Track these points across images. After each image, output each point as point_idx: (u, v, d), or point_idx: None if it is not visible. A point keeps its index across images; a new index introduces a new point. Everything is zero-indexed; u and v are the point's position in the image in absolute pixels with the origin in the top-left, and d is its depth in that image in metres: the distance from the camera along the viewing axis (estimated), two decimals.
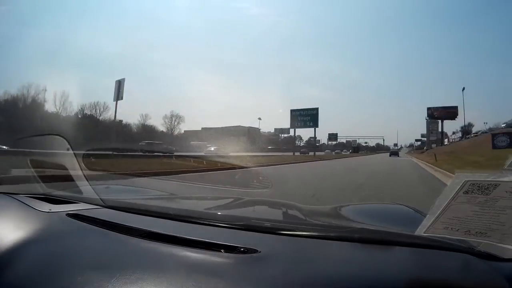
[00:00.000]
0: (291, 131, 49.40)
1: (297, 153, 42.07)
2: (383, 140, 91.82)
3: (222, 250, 0.65)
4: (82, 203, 1.01)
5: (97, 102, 45.93)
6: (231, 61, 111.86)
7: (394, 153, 51.20)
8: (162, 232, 0.73)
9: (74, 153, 1.38)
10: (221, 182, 2.37)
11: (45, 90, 39.18)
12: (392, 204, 1.82)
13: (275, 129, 67.91)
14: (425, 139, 78.33)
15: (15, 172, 1.50)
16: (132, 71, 79.51)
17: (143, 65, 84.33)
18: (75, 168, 1.38)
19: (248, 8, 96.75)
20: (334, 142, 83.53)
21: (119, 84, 22.88)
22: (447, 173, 9.52)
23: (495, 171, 0.49)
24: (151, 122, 54.32)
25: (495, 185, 0.46)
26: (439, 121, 61.15)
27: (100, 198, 1.02)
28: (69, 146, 1.38)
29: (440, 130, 61.28)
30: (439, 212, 0.52)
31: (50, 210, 0.91)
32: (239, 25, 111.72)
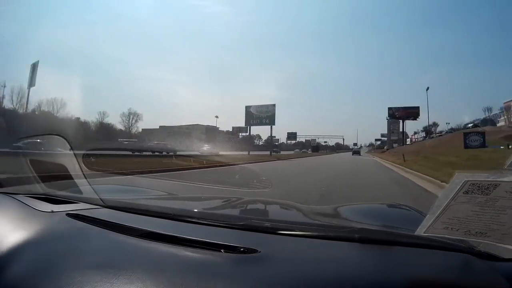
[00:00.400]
0: (251, 129, 47.09)
1: (256, 152, 36.60)
2: (343, 139, 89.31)
3: (222, 250, 0.65)
4: (82, 203, 1.01)
5: (54, 99, 43.05)
6: (189, 59, 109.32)
7: (356, 152, 53.03)
8: (162, 232, 0.73)
9: (74, 153, 1.38)
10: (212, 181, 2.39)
11: (4, 86, 37.52)
12: (392, 204, 1.82)
13: (233, 127, 64.68)
14: (386, 138, 77.81)
15: (15, 172, 1.50)
16: (91, 66, 76.47)
17: (101, 61, 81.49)
18: (75, 168, 1.38)
19: (207, 6, 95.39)
20: (293, 141, 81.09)
21: (33, 68, 20.71)
22: (422, 175, 8.41)
23: (495, 171, 0.49)
24: (109, 120, 51.51)
25: (495, 185, 0.46)
26: (400, 121, 60.48)
27: (100, 198, 1.02)
28: (70, 146, 1.38)
29: (401, 130, 60.83)
30: (439, 212, 0.52)
31: (50, 210, 0.91)
32: (197, 23, 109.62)
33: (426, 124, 62.87)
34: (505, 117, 35.77)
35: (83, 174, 1.38)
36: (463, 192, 0.48)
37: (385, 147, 69.35)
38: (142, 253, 0.66)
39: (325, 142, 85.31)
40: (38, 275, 0.56)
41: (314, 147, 73.44)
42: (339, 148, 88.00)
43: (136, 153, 15.48)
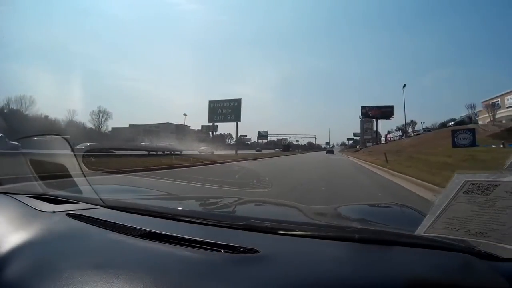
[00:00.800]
0: (219, 128, 45.62)
1: (244, 151, 36.23)
2: (315, 138, 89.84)
3: (222, 250, 0.65)
4: (82, 203, 1.01)
5: (23, 96, 41.85)
6: (160, 57, 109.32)
7: (330, 151, 54.24)
8: (162, 232, 0.73)
9: (74, 153, 1.38)
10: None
11: None
12: (392, 204, 1.82)
13: (202, 126, 62.18)
14: (359, 138, 76.62)
15: (15, 172, 1.49)
16: (62, 63, 74.49)
17: (70, 58, 76.94)
18: (75, 168, 1.38)
19: (179, 4, 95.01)
20: (264, 140, 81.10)
21: None
22: (420, 181, 6.42)
23: (495, 171, 0.49)
24: (78, 118, 49.54)
25: (495, 185, 0.46)
26: (374, 120, 59.94)
27: (100, 198, 1.02)
28: (70, 146, 1.38)
29: (375, 129, 60.95)
30: (439, 212, 0.52)
31: (50, 210, 0.91)
32: (170, 20, 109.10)
33: (400, 123, 62.14)
34: (490, 114, 33.46)
35: (83, 174, 1.38)
36: (463, 192, 0.48)
37: (357, 146, 68.76)
38: (142, 253, 0.66)
39: (297, 141, 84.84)
40: (38, 275, 0.56)
41: (286, 146, 71.96)
42: (311, 147, 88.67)
43: (152, 153, 16.52)
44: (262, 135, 78.34)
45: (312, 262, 0.63)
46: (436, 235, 0.55)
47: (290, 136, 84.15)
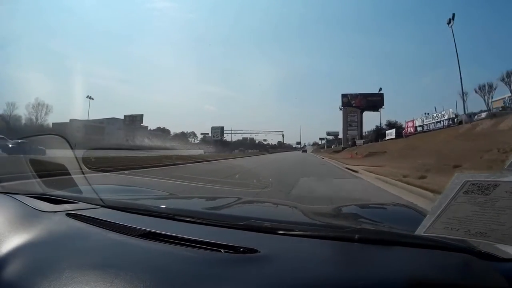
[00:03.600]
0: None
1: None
2: (282, 135, 75.32)
3: (222, 250, 0.65)
4: (82, 203, 1.01)
5: None
6: (115, 53, 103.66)
7: (304, 151, 50.94)
8: (162, 232, 0.73)
9: (74, 153, 1.38)
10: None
11: None
12: (392, 204, 1.82)
13: (158, 127, 57.94)
14: (332, 137, 65.24)
15: (15, 171, 1.49)
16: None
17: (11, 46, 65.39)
18: (75, 168, 1.38)
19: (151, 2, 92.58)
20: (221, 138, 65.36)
21: None
22: None
23: (495, 171, 0.49)
24: (18, 112, 42.20)
25: (495, 185, 0.46)
26: (359, 110, 47.45)
27: (100, 198, 1.02)
28: (70, 146, 1.38)
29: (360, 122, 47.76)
30: (439, 212, 0.52)
31: (50, 210, 0.91)
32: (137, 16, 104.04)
33: (390, 117, 49.33)
34: None
35: (83, 174, 1.38)
36: (463, 192, 0.48)
37: (333, 146, 56.98)
38: (142, 253, 0.66)
39: (264, 140, 73.76)
40: (38, 275, 0.56)
41: (221, 142, 58.37)
42: (280, 147, 75.11)
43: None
44: (215, 132, 62.69)
45: (312, 262, 0.63)
46: (436, 235, 0.55)
47: (252, 133, 70.84)
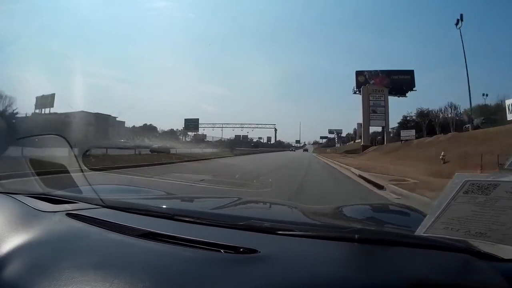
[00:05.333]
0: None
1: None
2: (275, 130, 59.06)
3: (222, 250, 0.65)
4: (82, 203, 1.01)
5: None
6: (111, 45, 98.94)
7: (305, 150, 45.53)
8: (162, 232, 0.73)
9: (74, 153, 1.38)
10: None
11: None
12: (392, 204, 1.83)
13: (144, 124, 47.47)
14: (333, 135, 53.36)
15: (15, 171, 1.49)
16: None
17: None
18: (75, 168, 1.38)
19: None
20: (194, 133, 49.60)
21: None
22: None
23: (495, 171, 0.48)
24: None
25: (495, 185, 0.46)
26: (386, 89, 30.89)
27: (100, 198, 1.02)
28: (69, 146, 1.38)
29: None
30: (439, 212, 0.52)
31: (50, 210, 0.91)
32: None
33: (420, 105, 33.53)
34: None
35: (83, 173, 1.38)
36: (463, 192, 0.48)
37: (337, 145, 45.95)
38: (142, 253, 0.66)
39: (259, 138, 60.09)
40: (38, 275, 0.56)
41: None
42: (280, 145, 60.37)
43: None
44: (190, 126, 49.48)
45: (312, 262, 0.63)
46: (436, 235, 0.55)
47: (235, 127, 55.08)
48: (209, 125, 54.47)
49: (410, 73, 31.57)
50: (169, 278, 0.55)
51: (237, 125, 55.22)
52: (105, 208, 0.97)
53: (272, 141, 61.09)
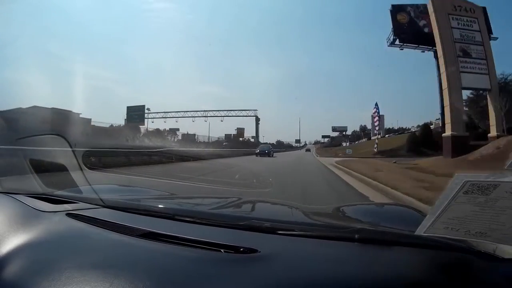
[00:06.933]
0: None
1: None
2: (256, 118, 49.99)
3: (222, 250, 0.65)
4: (82, 203, 1.01)
5: None
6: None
7: (308, 150, 42.46)
8: (162, 232, 0.73)
9: (74, 153, 1.38)
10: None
11: None
12: (392, 204, 1.83)
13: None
14: (337, 134, 50.16)
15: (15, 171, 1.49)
16: None
17: None
18: (75, 168, 1.38)
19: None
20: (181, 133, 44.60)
21: None
22: None
23: (495, 171, 0.49)
24: None
25: (495, 185, 0.46)
26: (478, 8, 16.36)
27: (100, 198, 1.02)
28: (69, 146, 1.38)
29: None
30: (439, 212, 0.52)
31: (50, 210, 0.91)
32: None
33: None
34: None
35: (83, 173, 1.38)
36: (463, 192, 0.48)
37: (343, 144, 40.28)
38: (142, 253, 0.66)
39: (253, 137, 50.46)
40: (38, 275, 0.56)
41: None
42: (281, 145, 53.51)
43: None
44: (133, 117, 40.88)
45: (312, 262, 0.63)
46: (436, 235, 0.55)
47: (207, 116, 46.34)
48: (168, 114, 44.56)
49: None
50: (169, 278, 0.55)
51: (199, 114, 44.48)
52: (105, 208, 0.97)
53: (253, 133, 49.83)
